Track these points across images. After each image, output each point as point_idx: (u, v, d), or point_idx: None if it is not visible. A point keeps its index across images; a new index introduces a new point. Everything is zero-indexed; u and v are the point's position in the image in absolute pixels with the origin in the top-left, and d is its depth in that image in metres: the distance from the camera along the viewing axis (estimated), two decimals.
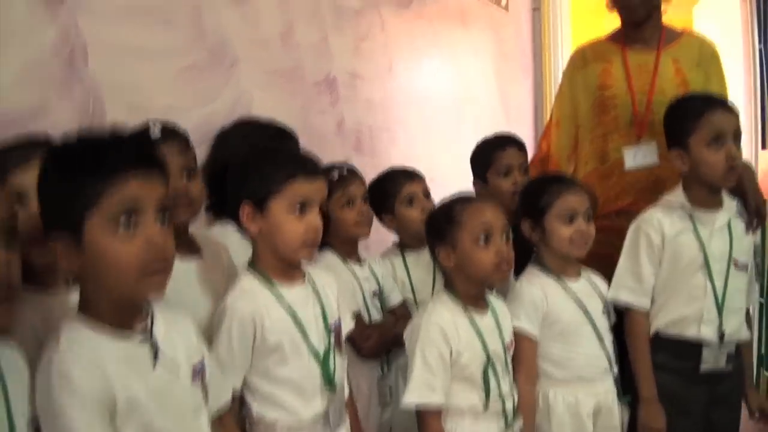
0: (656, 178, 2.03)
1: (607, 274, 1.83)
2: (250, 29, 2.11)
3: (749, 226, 1.90)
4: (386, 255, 2.00)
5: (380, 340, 1.77)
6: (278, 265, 1.35)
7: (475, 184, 2.13)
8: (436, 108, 3.13)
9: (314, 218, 1.33)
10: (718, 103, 1.80)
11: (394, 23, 2.79)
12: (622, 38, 2.17)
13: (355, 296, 1.78)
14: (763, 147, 3.28)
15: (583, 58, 2.23)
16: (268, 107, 2.05)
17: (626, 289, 1.82)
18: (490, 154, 2.09)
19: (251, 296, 1.32)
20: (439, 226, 1.58)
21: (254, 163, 1.35)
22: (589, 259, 1.76)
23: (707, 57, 2.13)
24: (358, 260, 1.86)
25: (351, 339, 1.63)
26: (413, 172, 2.01)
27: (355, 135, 2.56)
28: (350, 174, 1.84)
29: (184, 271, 1.29)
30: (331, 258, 1.80)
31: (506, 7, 3.70)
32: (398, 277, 1.95)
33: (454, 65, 3.27)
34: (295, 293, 1.36)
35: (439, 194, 1.74)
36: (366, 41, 2.63)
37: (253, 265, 1.37)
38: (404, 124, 2.87)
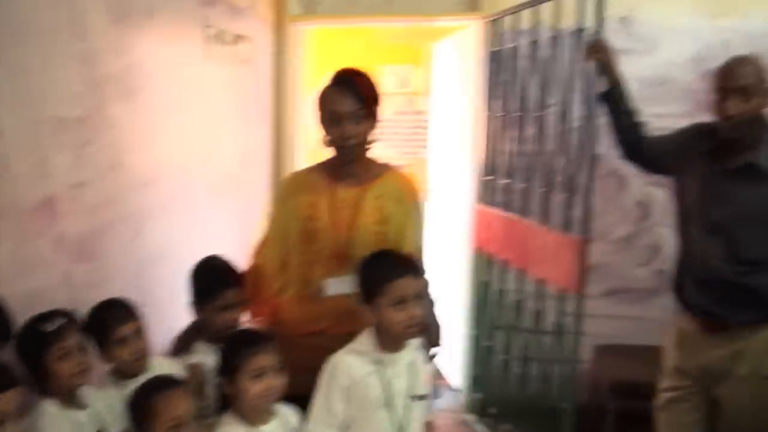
0: (353, 305, 2.17)
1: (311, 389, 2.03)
2: None
3: (428, 358, 2.22)
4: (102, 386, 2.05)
5: None
6: None
7: None
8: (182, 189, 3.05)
9: None
10: (404, 270, 2.04)
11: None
12: (331, 172, 2.31)
13: None
14: (480, 202, 3.67)
15: (293, 187, 2.36)
16: None
17: (321, 423, 2.05)
18: None
19: None
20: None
21: None
22: (295, 371, 1.94)
23: (408, 195, 2.34)
24: (79, 406, 1.88)
25: None
26: (126, 309, 2.07)
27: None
28: (66, 325, 1.86)
29: None
30: (50, 407, 1.81)
31: (245, 59, 3.70)
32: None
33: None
34: None
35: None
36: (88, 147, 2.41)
37: None
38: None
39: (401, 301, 2.00)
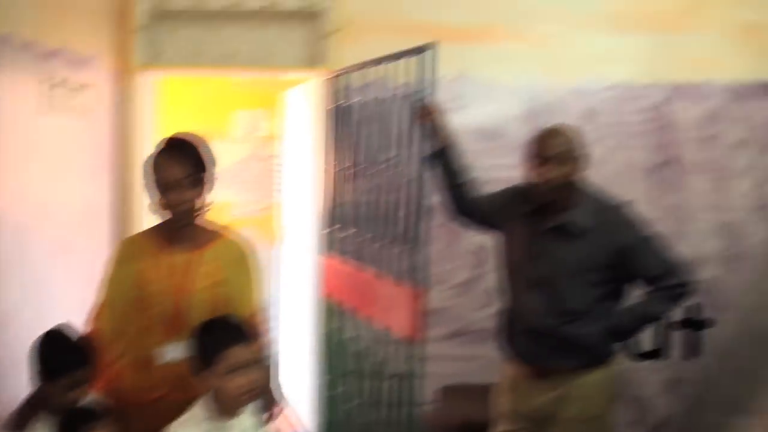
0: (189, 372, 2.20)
1: None
2: None
3: (266, 420, 2.27)
4: None
5: None
6: None
7: None
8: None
9: None
10: (237, 337, 2.08)
11: None
12: (164, 236, 2.32)
13: None
14: (325, 252, 3.75)
15: (127, 252, 2.36)
16: None
17: None
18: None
19: None
20: None
21: None
22: None
23: (241, 256, 2.39)
24: None
25: None
26: None
27: None
28: None
29: None
30: None
31: (88, 110, 3.62)
32: None
33: None
34: None
35: None
36: None
37: None
38: None
39: (236, 368, 2.04)
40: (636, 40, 3.84)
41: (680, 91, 3.91)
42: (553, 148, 2.51)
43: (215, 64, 3.80)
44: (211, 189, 2.33)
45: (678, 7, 3.83)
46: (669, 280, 2.56)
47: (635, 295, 2.67)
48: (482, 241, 3.80)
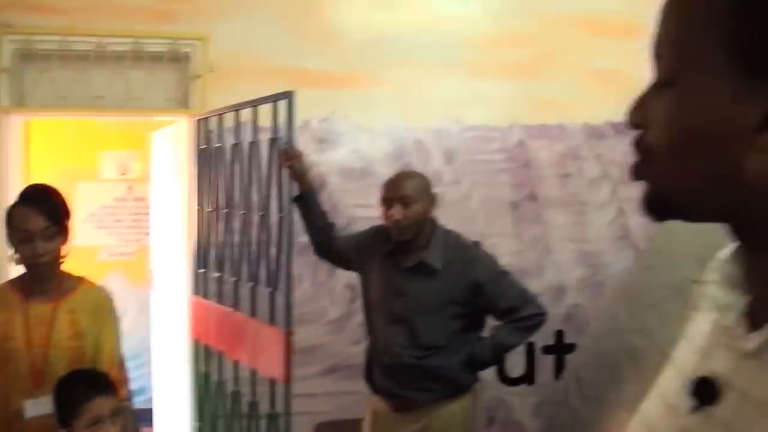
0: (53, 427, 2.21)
1: None
2: None
3: None
4: None
5: None
6: None
7: None
8: None
9: None
10: (97, 390, 2.07)
11: None
12: (24, 288, 2.29)
13: None
14: (195, 294, 3.73)
15: None
16: None
17: None
18: None
19: None
20: None
21: None
22: None
23: (101, 306, 2.37)
24: None
25: None
26: None
27: None
28: None
29: None
30: None
31: None
32: None
33: None
34: None
35: None
36: None
37: None
38: None
39: (96, 422, 2.03)
40: (493, 86, 4.04)
41: (538, 132, 4.14)
42: (399, 191, 2.66)
43: (82, 106, 3.74)
44: (69, 238, 2.31)
45: (535, 55, 4.07)
46: (521, 312, 2.71)
47: (493, 325, 2.82)
48: (355, 276, 3.90)
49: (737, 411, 0.62)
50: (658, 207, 0.68)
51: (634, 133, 0.69)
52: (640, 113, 0.68)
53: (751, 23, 0.59)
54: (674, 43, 0.65)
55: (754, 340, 0.62)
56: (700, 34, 0.62)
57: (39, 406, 2.20)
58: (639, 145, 0.69)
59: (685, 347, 0.75)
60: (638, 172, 0.69)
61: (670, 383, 0.74)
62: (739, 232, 0.67)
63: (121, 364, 2.42)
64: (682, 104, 0.64)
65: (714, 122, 0.62)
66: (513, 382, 4.13)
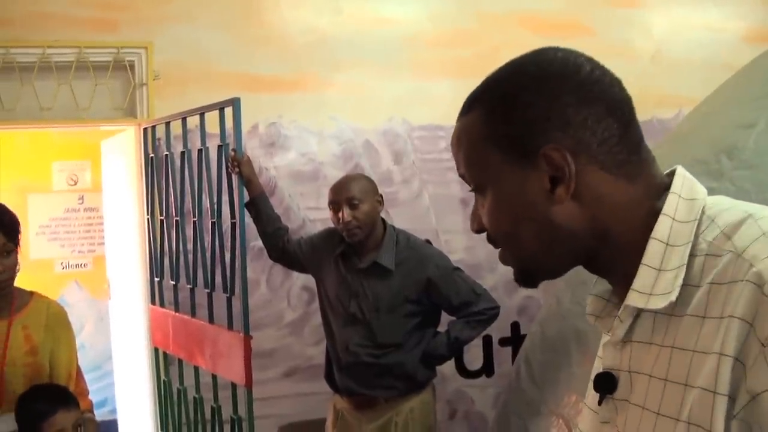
0: None
1: None
2: None
3: None
4: None
5: None
6: None
7: None
8: None
9: None
10: (58, 405, 2.08)
11: None
12: None
13: None
14: (153, 302, 3.72)
15: None
16: None
17: None
18: None
19: None
20: None
21: None
22: None
23: (55, 319, 2.35)
24: None
25: None
26: None
27: None
28: None
29: None
30: None
31: None
32: None
33: None
34: None
35: None
36: None
37: None
38: None
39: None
40: (438, 85, 4.09)
41: None
42: (344, 194, 2.71)
43: (29, 118, 3.70)
44: (19, 253, 2.30)
45: (478, 54, 4.12)
46: (474, 307, 2.78)
47: (448, 321, 2.88)
48: (311, 278, 3.93)
49: (630, 387, 0.80)
50: (526, 279, 0.88)
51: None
52: (476, 221, 0.89)
53: (504, 128, 0.82)
54: (467, 166, 0.87)
55: (618, 329, 0.82)
56: (480, 153, 0.85)
57: (1, 425, 2.20)
58: (491, 241, 0.89)
59: (596, 362, 0.93)
60: (502, 259, 0.89)
61: (590, 394, 0.90)
62: (589, 266, 0.86)
63: (79, 375, 2.41)
64: (495, 201, 0.85)
65: (520, 201, 0.83)
66: (472, 374, 4.20)
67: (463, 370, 4.16)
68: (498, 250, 0.89)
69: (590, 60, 0.84)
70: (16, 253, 2.27)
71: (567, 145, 0.79)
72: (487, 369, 4.25)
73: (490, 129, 0.83)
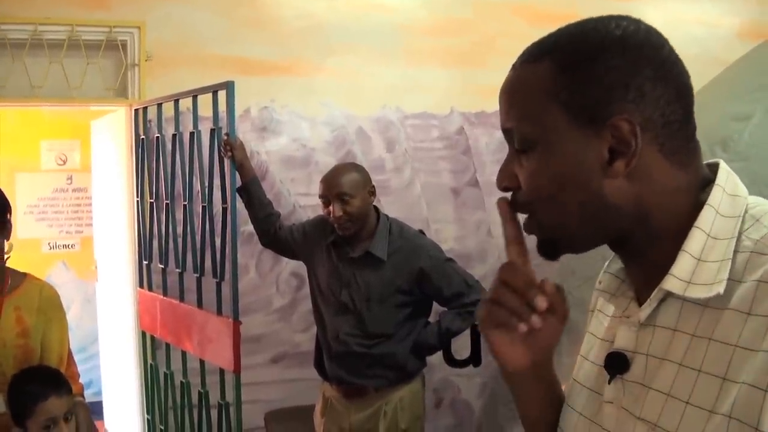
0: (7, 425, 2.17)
1: None
2: None
3: None
4: None
5: None
6: None
7: None
8: None
9: None
10: (50, 390, 2.06)
11: None
12: None
13: None
14: (141, 286, 3.71)
15: None
16: None
17: None
18: None
19: None
20: None
21: None
22: None
23: (48, 302, 2.32)
24: None
25: None
26: None
27: None
28: None
29: None
30: None
31: None
32: None
33: None
34: None
35: None
36: None
37: None
38: None
39: (50, 422, 2.03)
40: (433, 73, 4.08)
41: (478, 119, 4.20)
42: (335, 189, 2.68)
43: (19, 96, 3.66)
44: (10, 233, 2.27)
45: (472, 43, 4.11)
46: (466, 298, 2.77)
47: (439, 311, 2.87)
48: (301, 264, 3.92)
49: (645, 369, 0.79)
50: (550, 250, 0.85)
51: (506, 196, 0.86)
52: (508, 178, 0.85)
53: (578, 88, 0.78)
54: (520, 119, 0.82)
55: (644, 311, 0.80)
56: (541, 109, 0.80)
57: None
58: (515, 205, 0.86)
59: (590, 340, 0.93)
60: (527, 227, 0.86)
61: (587, 372, 0.90)
62: (616, 245, 0.85)
63: (70, 359, 2.40)
64: (544, 162, 0.80)
65: (573, 167, 0.79)
66: (460, 364, 4.20)
67: (450, 360, 4.16)
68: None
69: (668, 41, 0.81)
70: (6, 233, 2.24)
71: (637, 120, 0.76)
72: (475, 358, 4.25)
73: (561, 86, 0.79)
